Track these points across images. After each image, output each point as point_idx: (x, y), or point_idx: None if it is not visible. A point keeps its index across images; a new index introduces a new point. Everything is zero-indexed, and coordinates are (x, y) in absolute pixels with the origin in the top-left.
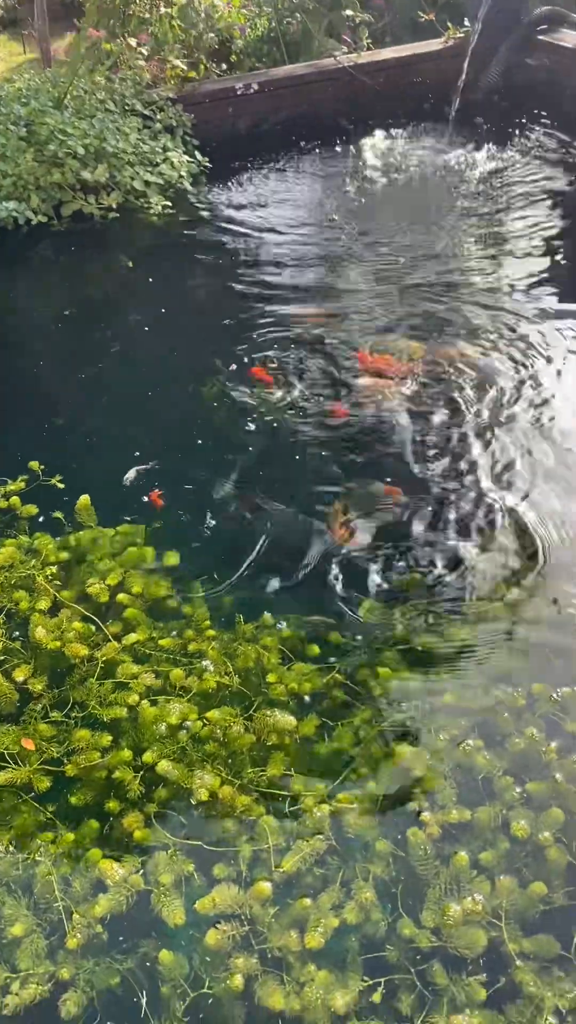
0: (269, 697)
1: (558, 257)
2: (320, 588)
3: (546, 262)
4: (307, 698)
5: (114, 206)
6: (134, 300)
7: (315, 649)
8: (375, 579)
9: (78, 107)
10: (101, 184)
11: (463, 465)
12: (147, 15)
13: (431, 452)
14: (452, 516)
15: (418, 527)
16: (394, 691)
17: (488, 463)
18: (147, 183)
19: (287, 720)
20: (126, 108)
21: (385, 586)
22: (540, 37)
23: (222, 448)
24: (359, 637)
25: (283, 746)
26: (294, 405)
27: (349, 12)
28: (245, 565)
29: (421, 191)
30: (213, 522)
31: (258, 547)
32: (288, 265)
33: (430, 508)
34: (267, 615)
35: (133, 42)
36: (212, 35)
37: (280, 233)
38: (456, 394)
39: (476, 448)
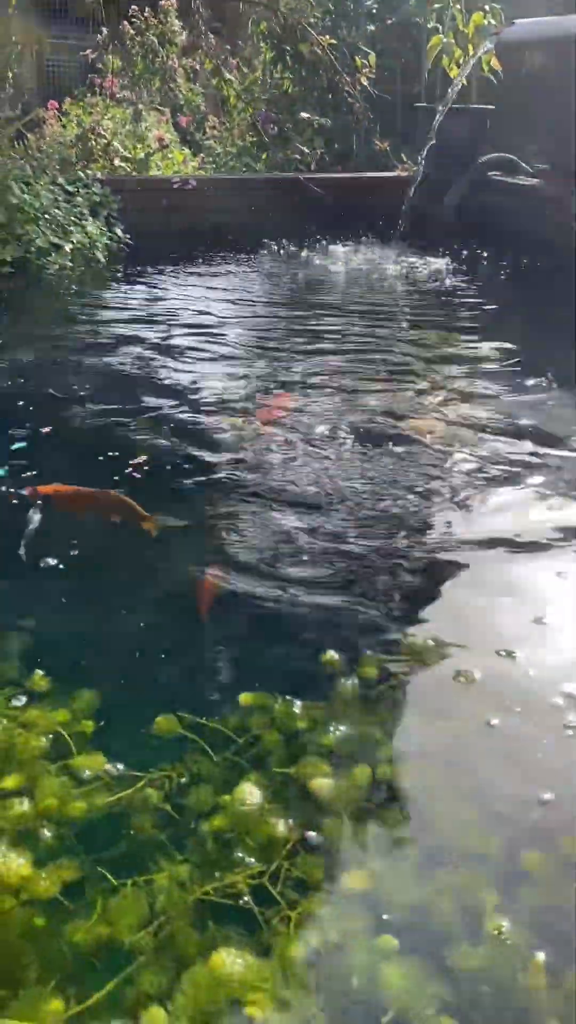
0: (8, 820)
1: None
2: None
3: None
4: (76, 828)
5: (9, 259)
6: None
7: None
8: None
9: None
10: None
11: None
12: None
13: None
14: None
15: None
16: (246, 821)
17: None
18: (54, 245)
19: (13, 865)
20: (44, 171)
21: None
22: (495, 177)
23: None
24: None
25: None
26: None
27: (305, 115)
28: None
29: (353, 298)
30: None
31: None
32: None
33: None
34: (39, 673)
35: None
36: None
37: (177, 325)
38: None
39: None
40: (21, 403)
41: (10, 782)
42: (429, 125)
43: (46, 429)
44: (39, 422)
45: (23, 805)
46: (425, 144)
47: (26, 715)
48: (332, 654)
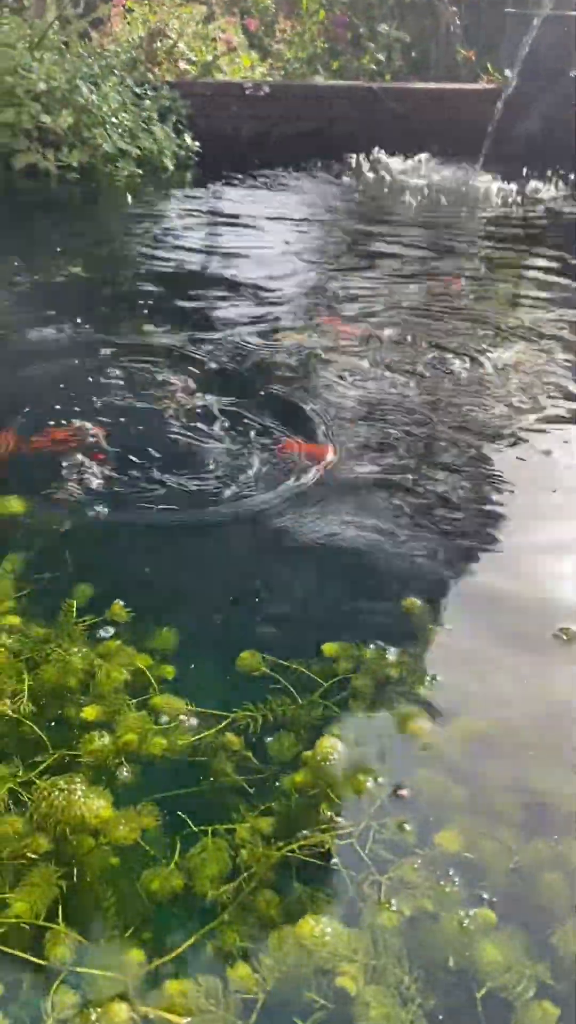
0: (88, 753)
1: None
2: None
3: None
4: (155, 767)
5: (75, 164)
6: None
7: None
8: None
9: (53, 45)
10: (63, 137)
11: None
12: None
13: None
14: None
15: None
16: (329, 764)
17: None
18: (120, 150)
19: (93, 806)
20: (112, 72)
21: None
22: None
23: None
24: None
25: (74, 858)
26: None
27: (384, 27)
28: None
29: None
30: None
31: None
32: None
33: None
34: (119, 604)
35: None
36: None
37: (243, 240)
38: None
39: None
40: (79, 319)
41: (90, 713)
42: (520, 32)
43: (106, 351)
44: (100, 332)
45: (103, 739)
46: (515, 55)
47: (107, 646)
48: (415, 600)
